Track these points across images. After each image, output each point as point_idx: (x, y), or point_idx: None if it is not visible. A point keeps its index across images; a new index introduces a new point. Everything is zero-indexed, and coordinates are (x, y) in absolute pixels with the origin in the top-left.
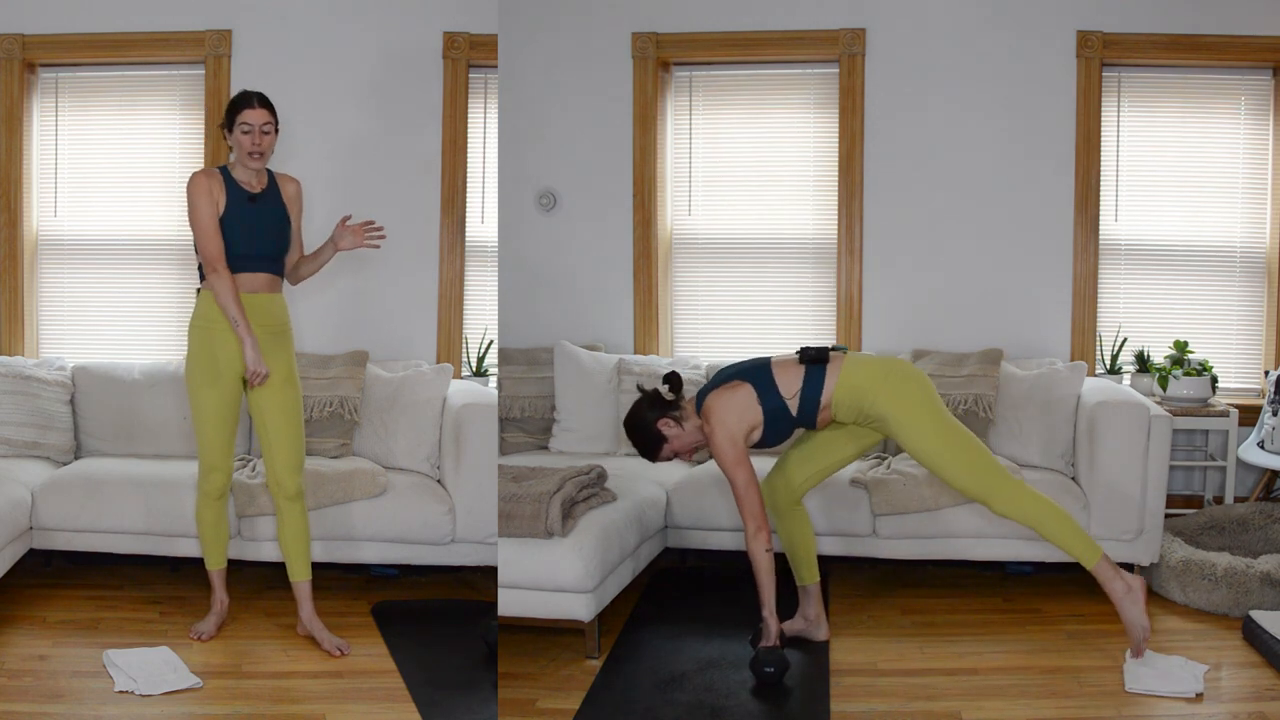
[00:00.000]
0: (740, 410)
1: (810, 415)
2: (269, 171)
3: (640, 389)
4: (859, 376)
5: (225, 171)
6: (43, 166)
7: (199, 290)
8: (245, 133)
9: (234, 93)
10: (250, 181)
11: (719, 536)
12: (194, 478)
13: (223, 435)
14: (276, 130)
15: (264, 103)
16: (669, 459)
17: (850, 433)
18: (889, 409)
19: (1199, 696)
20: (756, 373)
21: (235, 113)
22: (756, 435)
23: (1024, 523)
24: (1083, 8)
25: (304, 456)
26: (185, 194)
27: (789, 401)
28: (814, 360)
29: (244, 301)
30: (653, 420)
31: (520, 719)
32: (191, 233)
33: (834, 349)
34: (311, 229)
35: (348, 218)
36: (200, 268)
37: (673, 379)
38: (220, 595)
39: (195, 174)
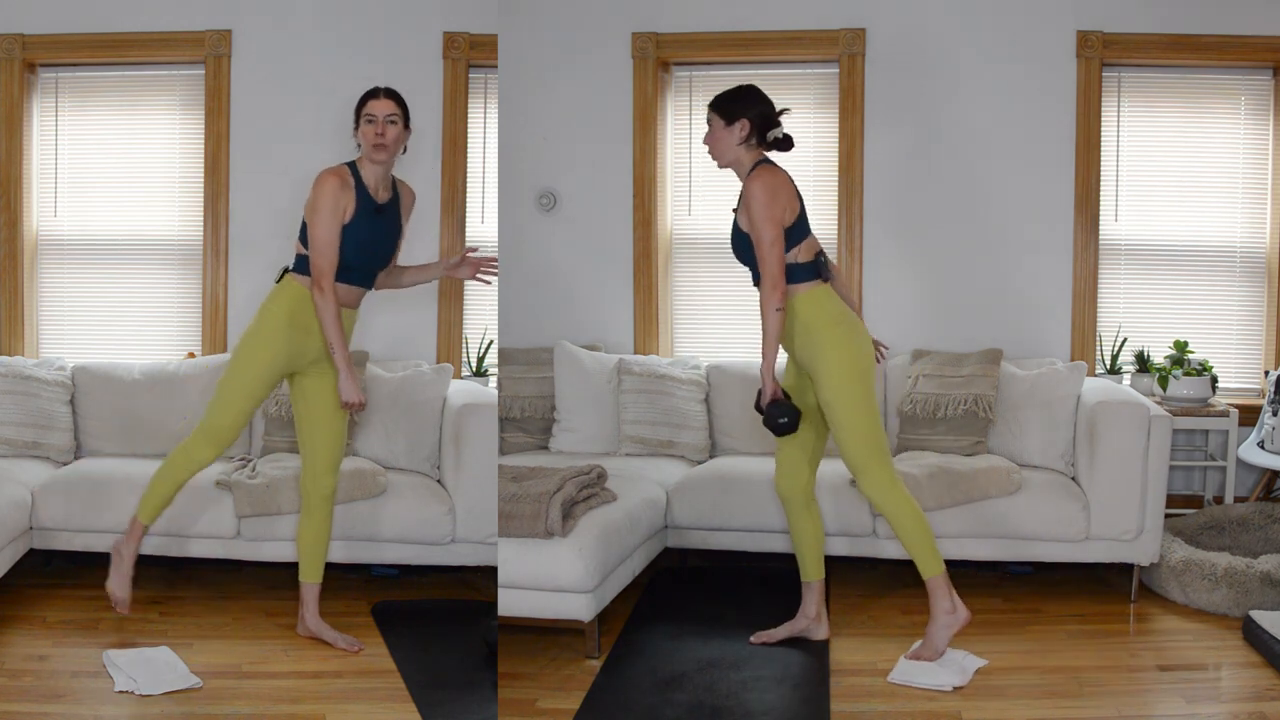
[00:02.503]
0: (790, 196)
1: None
2: (393, 179)
3: (775, 119)
4: (826, 309)
5: (355, 171)
6: (43, 166)
7: (286, 271)
8: (369, 123)
9: (234, 93)
10: (378, 188)
11: (719, 536)
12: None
13: (241, 409)
14: (407, 127)
15: (391, 95)
16: (710, 134)
17: (812, 413)
18: (827, 355)
19: (956, 690)
20: (803, 219)
21: (361, 106)
22: (783, 221)
23: (881, 511)
24: (1083, 8)
25: (342, 457)
26: (312, 188)
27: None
28: (818, 271)
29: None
30: (744, 111)
31: (520, 719)
32: (308, 231)
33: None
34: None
35: (474, 249)
36: (298, 258)
37: (788, 141)
38: (133, 546)
39: (328, 174)
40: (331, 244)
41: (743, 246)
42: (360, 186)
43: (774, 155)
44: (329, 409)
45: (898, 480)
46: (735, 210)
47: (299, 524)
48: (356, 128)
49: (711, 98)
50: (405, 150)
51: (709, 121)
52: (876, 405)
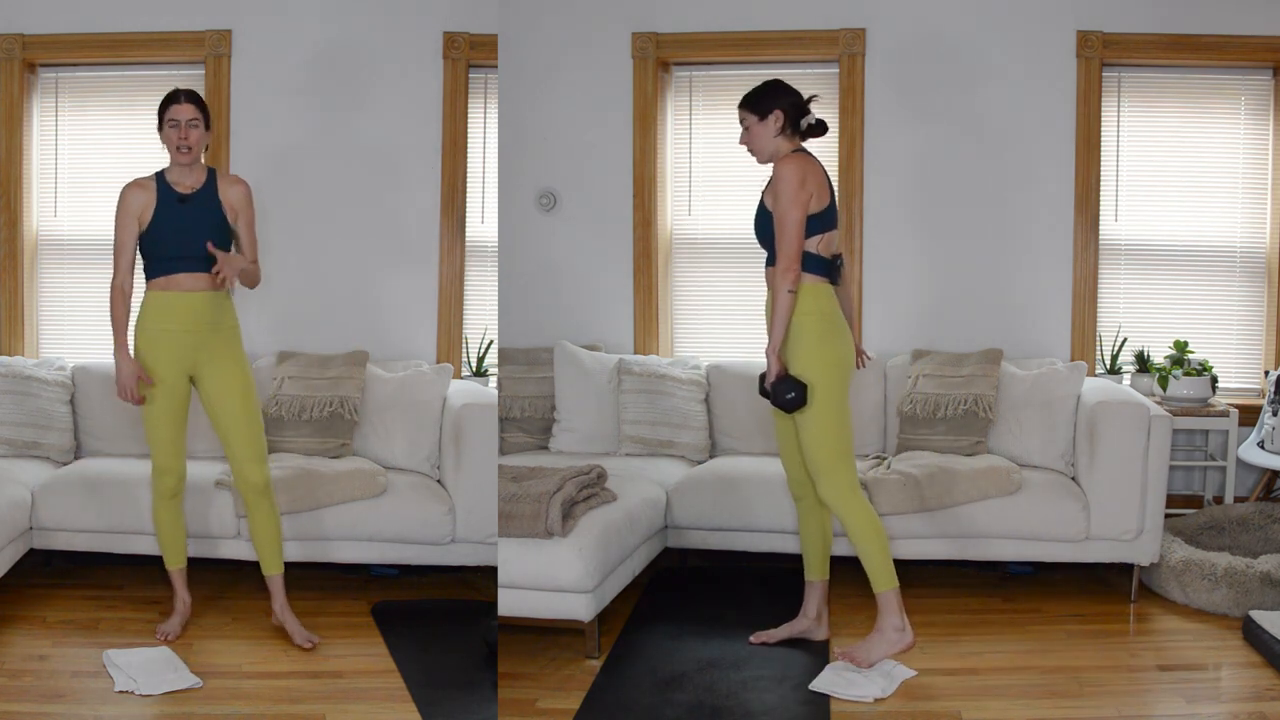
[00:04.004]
0: (820, 186)
1: (800, 266)
2: (211, 171)
3: (805, 107)
4: (819, 305)
5: (160, 176)
6: (43, 166)
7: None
8: (172, 127)
9: (235, 93)
10: (181, 181)
11: (719, 536)
12: (195, 478)
13: (170, 436)
14: (208, 127)
15: (191, 98)
16: (746, 132)
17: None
18: (805, 350)
19: (877, 701)
20: (830, 212)
21: (164, 110)
22: (808, 207)
23: (838, 517)
24: (1083, 8)
25: (265, 448)
26: None
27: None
28: (829, 270)
29: (181, 302)
30: (775, 102)
31: (520, 719)
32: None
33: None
34: (307, 229)
35: (217, 269)
36: (144, 270)
37: (821, 126)
38: (182, 595)
39: (126, 185)
40: (124, 245)
41: (765, 227)
42: (162, 185)
43: (809, 145)
44: (231, 402)
45: (858, 488)
46: (763, 191)
47: (248, 522)
48: (160, 129)
49: (713, 97)
50: (208, 149)
51: (742, 121)
52: (848, 411)
